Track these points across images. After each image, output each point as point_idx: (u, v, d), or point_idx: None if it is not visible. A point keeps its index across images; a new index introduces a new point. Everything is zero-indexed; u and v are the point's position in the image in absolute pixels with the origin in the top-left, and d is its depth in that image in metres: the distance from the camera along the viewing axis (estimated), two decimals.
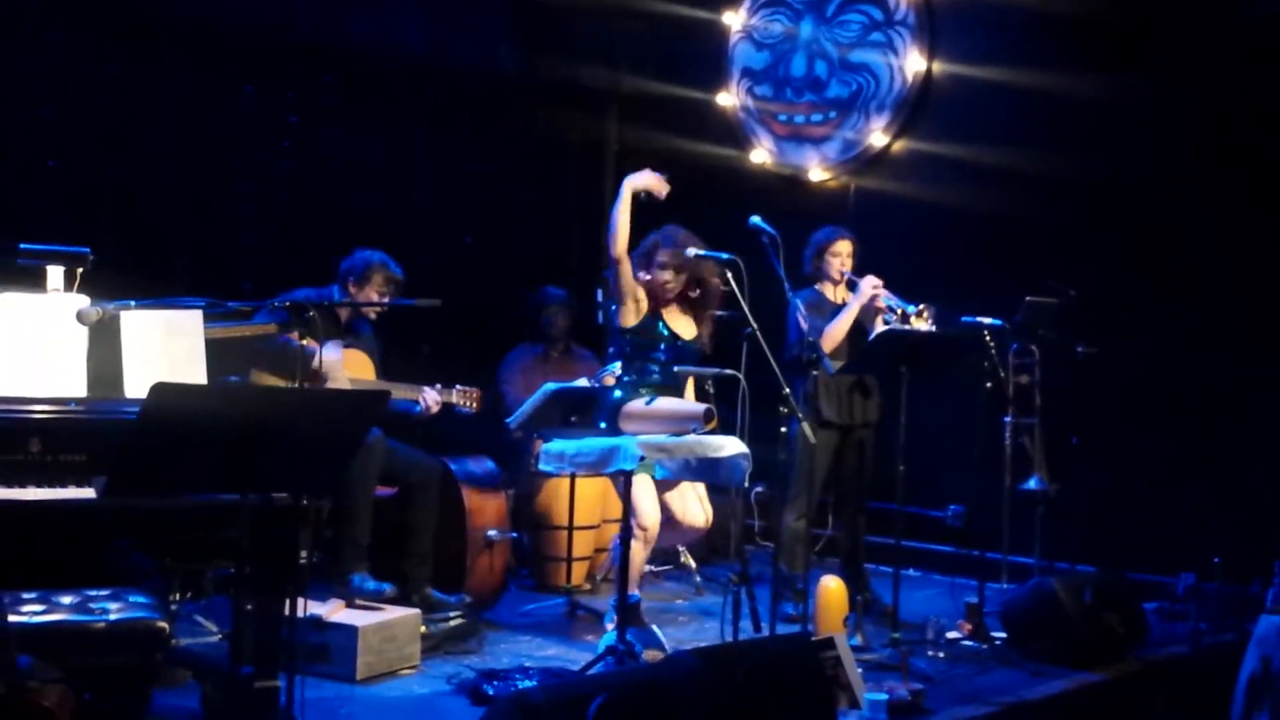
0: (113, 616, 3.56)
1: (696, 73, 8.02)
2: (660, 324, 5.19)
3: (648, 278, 5.20)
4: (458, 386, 5.60)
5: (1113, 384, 6.25)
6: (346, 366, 5.31)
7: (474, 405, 5.66)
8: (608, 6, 7.97)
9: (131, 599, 3.66)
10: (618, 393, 5.14)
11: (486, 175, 7.55)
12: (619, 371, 5.20)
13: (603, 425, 5.11)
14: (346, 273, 5.49)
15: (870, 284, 5.78)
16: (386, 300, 5.49)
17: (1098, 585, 5.30)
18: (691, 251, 5.19)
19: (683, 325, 5.26)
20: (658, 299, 5.22)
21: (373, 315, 5.58)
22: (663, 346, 5.18)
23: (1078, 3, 6.63)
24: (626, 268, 5.13)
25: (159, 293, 4.42)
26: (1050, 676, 4.99)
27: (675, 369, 5.29)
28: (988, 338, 5.58)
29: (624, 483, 4.83)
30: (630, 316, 5.19)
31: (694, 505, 5.27)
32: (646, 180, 5.13)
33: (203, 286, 5.26)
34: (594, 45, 8.02)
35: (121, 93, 6.04)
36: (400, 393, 5.39)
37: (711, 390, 6.05)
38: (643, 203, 5.15)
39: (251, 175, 6.53)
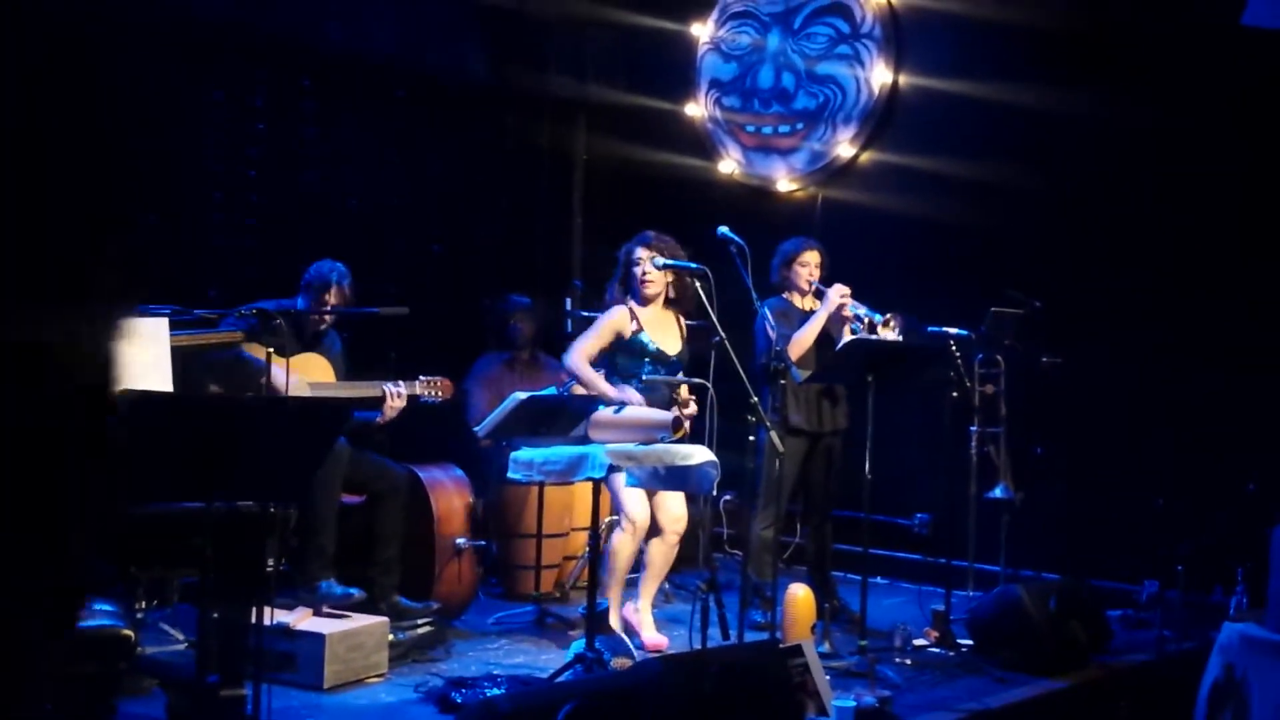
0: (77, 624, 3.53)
1: (664, 83, 8.05)
2: (645, 340, 5.23)
3: (632, 282, 5.24)
4: (421, 377, 5.46)
5: (1077, 394, 6.30)
6: (306, 371, 5.27)
7: (441, 395, 5.52)
8: (577, 16, 7.99)
9: (96, 607, 3.64)
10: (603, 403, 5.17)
11: (456, 182, 7.55)
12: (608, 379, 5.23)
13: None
14: (306, 286, 5.46)
15: (838, 292, 5.81)
16: (352, 309, 5.47)
17: (1062, 593, 5.33)
18: (660, 261, 5.23)
19: (668, 341, 5.29)
20: (643, 298, 5.25)
21: (323, 326, 5.49)
22: (648, 361, 5.22)
23: (1041, 16, 6.68)
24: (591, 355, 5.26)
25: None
26: (1015, 684, 5.03)
27: (644, 377, 5.32)
28: (953, 348, 5.62)
29: (594, 490, 4.85)
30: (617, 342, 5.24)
31: (674, 502, 5.28)
32: None
33: (169, 293, 5.24)
34: (563, 55, 8.04)
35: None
36: (360, 391, 5.30)
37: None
38: None
39: (219, 182, 6.49)
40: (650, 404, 5.18)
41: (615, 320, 5.27)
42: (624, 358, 5.25)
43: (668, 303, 5.37)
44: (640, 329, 5.25)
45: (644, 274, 5.26)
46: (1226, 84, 6.21)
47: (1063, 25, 6.63)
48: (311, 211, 6.79)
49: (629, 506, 5.05)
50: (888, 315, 5.71)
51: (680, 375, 5.36)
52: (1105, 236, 6.56)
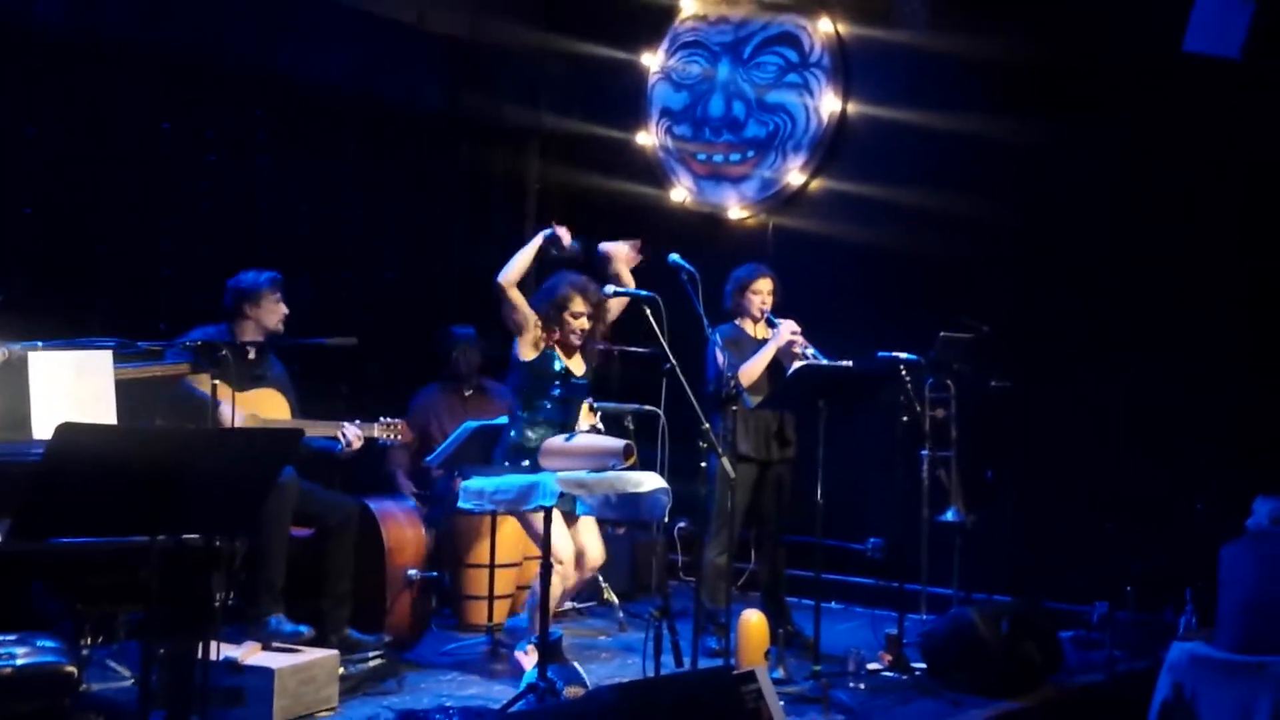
0: (19, 661, 3.48)
1: (616, 112, 8.09)
2: (556, 360, 5.23)
3: (557, 329, 5.22)
4: (381, 419, 5.45)
5: (1026, 417, 6.37)
6: (261, 406, 5.23)
7: (399, 437, 5.52)
8: (530, 46, 8.03)
9: (39, 644, 3.58)
10: (513, 432, 5.18)
11: (409, 211, 7.55)
12: (514, 409, 5.23)
13: (520, 463, 5.11)
14: (240, 299, 5.33)
15: (789, 329, 5.84)
16: (299, 340, 5.43)
17: (1014, 615, 5.36)
18: (609, 288, 5.24)
19: (574, 362, 5.30)
20: (564, 343, 5.25)
21: (251, 353, 5.37)
22: (556, 383, 5.22)
23: (987, 47, 6.76)
24: (515, 295, 5.16)
25: (74, 333, 4.37)
26: (969, 706, 5.04)
27: (596, 405, 5.34)
28: (904, 372, 5.65)
29: (545, 519, 4.83)
30: (529, 349, 5.21)
31: (593, 541, 5.28)
32: (562, 232, 5.20)
33: (119, 326, 5.20)
34: (516, 84, 8.07)
35: (38, 127, 5.94)
36: (318, 430, 5.28)
37: (631, 426, 6.09)
38: (552, 256, 5.20)
39: (170, 212, 6.45)
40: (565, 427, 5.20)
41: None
42: (533, 377, 5.21)
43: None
44: (551, 347, 5.23)
45: (577, 327, 5.22)
46: (1171, 112, 6.30)
47: (1008, 55, 6.71)
48: (264, 241, 6.75)
49: (556, 547, 5.00)
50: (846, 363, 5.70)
51: (589, 398, 5.40)
52: (1052, 262, 6.64)
